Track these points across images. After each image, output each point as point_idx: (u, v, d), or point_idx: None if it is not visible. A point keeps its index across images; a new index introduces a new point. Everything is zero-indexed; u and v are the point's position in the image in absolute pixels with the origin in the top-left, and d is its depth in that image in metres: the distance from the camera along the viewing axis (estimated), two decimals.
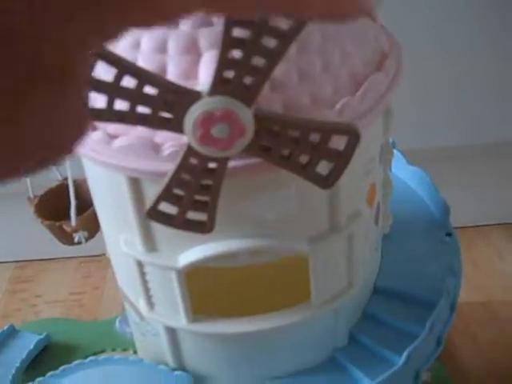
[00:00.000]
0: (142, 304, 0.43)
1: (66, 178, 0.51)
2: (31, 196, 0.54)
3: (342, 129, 0.31)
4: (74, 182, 0.50)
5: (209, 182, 0.32)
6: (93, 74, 0.30)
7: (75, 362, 0.50)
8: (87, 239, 0.52)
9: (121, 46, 0.34)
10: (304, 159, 0.32)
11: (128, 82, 0.30)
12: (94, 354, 0.55)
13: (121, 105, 0.31)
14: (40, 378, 0.51)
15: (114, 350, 0.56)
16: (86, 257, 0.85)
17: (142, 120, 0.31)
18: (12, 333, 0.63)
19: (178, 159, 0.32)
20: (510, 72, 0.72)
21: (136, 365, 0.48)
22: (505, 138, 0.76)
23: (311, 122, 0.32)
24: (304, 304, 0.42)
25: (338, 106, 0.33)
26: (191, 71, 0.33)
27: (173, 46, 0.34)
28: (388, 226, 0.49)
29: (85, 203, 0.50)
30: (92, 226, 0.50)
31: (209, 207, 0.33)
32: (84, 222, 0.50)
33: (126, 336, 0.55)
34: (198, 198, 0.33)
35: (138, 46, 0.34)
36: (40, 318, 0.76)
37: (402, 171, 0.56)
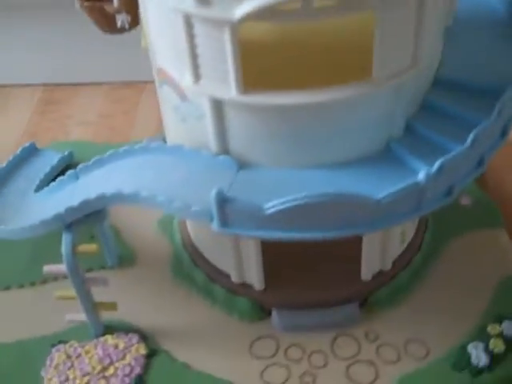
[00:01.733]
0: (187, 79, 0.40)
1: None
2: None
3: None
4: None
5: None
6: None
7: (108, 153, 0.47)
8: (130, 26, 0.48)
9: None
10: None
11: None
12: None
13: None
14: (71, 170, 0.49)
15: None
16: (116, 82, 0.82)
17: None
18: (33, 151, 0.61)
19: None
20: None
21: (175, 151, 0.45)
22: None
23: None
24: (365, 80, 0.38)
25: None
26: None
27: None
28: (451, 16, 0.45)
29: None
30: (134, 9, 0.47)
31: None
32: (126, 3, 0.47)
33: None
34: None
35: None
36: (68, 140, 0.74)
37: None
